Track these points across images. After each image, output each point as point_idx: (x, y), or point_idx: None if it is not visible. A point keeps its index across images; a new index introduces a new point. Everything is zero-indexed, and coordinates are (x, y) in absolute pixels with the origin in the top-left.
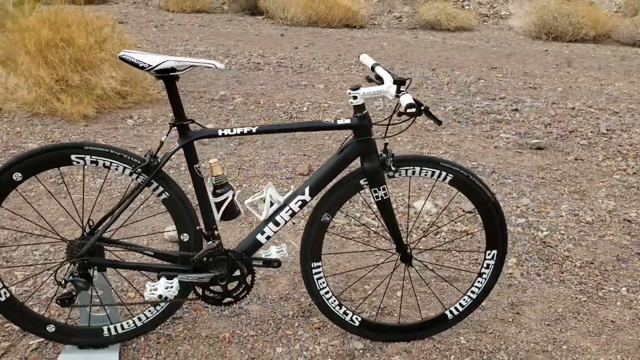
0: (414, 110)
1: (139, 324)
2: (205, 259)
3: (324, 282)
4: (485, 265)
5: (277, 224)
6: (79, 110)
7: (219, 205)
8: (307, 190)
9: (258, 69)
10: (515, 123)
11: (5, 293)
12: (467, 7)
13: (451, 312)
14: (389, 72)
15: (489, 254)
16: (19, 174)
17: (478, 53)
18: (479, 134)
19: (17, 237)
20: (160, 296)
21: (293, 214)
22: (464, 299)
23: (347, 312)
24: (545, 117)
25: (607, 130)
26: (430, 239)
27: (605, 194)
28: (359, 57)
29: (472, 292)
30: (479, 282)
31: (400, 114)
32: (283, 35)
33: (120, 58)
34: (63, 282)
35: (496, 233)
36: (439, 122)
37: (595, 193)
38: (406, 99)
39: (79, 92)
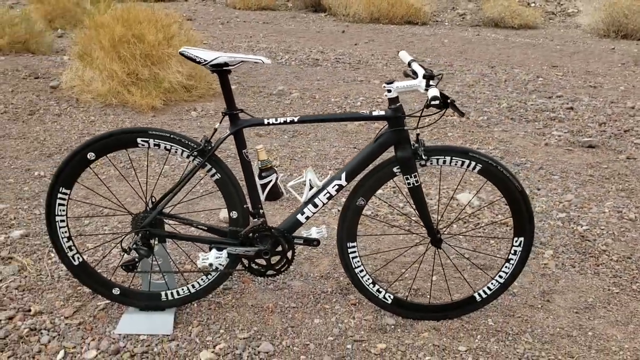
0: (437, 102)
1: (192, 291)
2: (251, 234)
3: (358, 261)
4: (512, 252)
5: (315, 205)
6: (148, 102)
7: (264, 186)
8: (343, 175)
9: (316, 65)
10: (569, 121)
11: (78, 258)
12: (533, 5)
13: (479, 294)
14: (422, 68)
15: (516, 241)
16: (93, 154)
17: (540, 51)
18: (531, 131)
19: (89, 213)
20: (210, 264)
21: (330, 197)
22: (492, 283)
23: (380, 290)
24: (600, 116)
25: None
26: (466, 228)
27: None
28: (398, 53)
29: (500, 276)
30: (506, 267)
31: (427, 106)
32: (344, 32)
33: (180, 53)
34: (128, 249)
35: (523, 221)
36: (462, 114)
37: None
38: (432, 92)
39: (148, 85)
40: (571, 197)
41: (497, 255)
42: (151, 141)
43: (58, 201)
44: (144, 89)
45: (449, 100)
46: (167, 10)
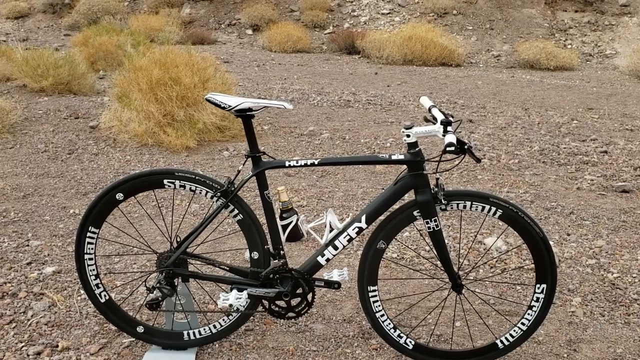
0: (452, 148)
1: (214, 331)
2: (271, 275)
3: (379, 305)
4: (535, 299)
5: (336, 247)
6: (182, 142)
7: (284, 227)
8: (364, 218)
9: (348, 106)
10: (602, 165)
11: (105, 295)
12: (569, 46)
13: (502, 341)
14: (442, 113)
15: (538, 288)
16: (121, 194)
17: (576, 93)
18: (563, 175)
19: (120, 251)
20: (230, 305)
21: (350, 240)
22: (515, 330)
23: (402, 335)
24: (636, 160)
25: None
26: (492, 274)
27: None
28: (419, 99)
29: (523, 323)
30: (529, 314)
31: (444, 152)
32: (377, 74)
33: (207, 100)
34: (152, 288)
35: (545, 268)
36: (478, 160)
37: None
38: (448, 138)
39: (183, 126)
40: (602, 243)
41: (523, 303)
42: (177, 182)
43: (87, 240)
44: (179, 130)
45: (465, 147)
46: (204, 54)
